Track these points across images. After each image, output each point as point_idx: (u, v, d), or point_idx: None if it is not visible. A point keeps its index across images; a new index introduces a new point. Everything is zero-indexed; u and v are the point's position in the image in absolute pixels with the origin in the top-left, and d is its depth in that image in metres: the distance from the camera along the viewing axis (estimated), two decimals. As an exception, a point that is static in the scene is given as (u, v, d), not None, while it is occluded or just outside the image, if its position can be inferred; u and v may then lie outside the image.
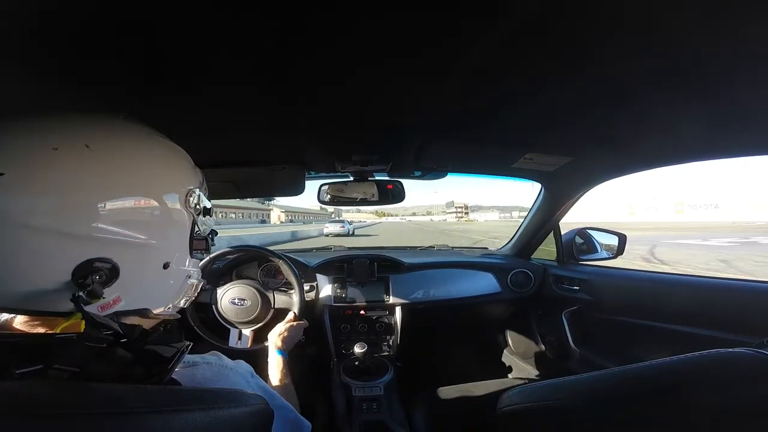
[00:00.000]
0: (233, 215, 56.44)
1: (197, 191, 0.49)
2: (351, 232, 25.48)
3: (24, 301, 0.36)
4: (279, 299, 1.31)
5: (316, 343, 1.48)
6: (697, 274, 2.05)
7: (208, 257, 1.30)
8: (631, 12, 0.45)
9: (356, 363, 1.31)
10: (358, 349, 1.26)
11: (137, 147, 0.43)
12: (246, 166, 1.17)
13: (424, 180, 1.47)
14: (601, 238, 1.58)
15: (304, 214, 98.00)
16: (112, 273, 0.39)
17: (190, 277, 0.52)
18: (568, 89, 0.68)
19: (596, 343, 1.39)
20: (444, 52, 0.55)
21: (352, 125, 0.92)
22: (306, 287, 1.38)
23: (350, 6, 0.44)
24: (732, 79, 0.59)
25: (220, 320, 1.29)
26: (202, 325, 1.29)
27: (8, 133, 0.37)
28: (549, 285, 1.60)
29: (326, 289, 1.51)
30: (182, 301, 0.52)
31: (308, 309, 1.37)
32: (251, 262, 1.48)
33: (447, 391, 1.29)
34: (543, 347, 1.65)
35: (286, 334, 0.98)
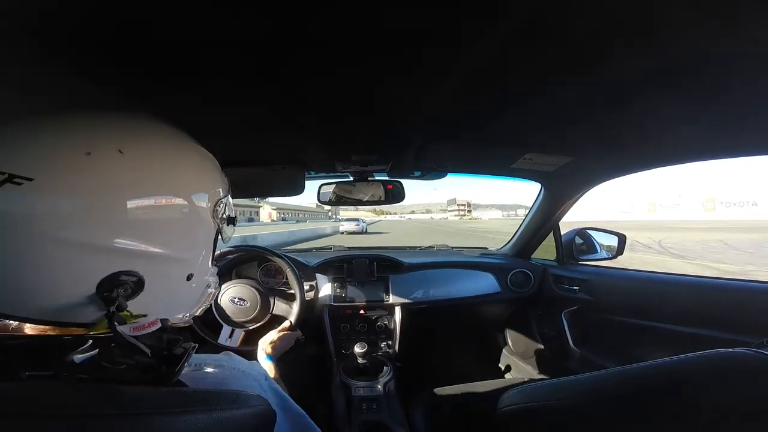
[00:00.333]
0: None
1: (225, 200, 0.48)
2: (365, 230, 27.26)
3: (44, 312, 0.35)
4: (278, 306, 1.32)
5: (316, 343, 1.48)
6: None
7: None
8: (631, 12, 0.45)
9: (356, 363, 1.31)
10: (357, 349, 1.27)
11: (169, 154, 0.41)
12: (246, 166, 1.17)
13: (424, 180, 1.47)
14: (600, 238, 1.58)
15: (297, 211, 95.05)
16: (137, 286, 0.37)
17: (209, 286, 0.51)
18: (568, 89, 0.68)
19: (596, 343, 1.39)
20: (444, 53, 0.55)
21: (352, 125, 0.92)
22: (306, 287, 1.38)
23: (350, 6, 0.44)
24: (732, 79, 0.59)
25: (216, 316, 1.29)
26: (196, 317, 1.29)
27: (37, 135, 0.34)
28: (549, 285, 1.60)
29: (326, 288, 1.51)
30: (199, 310, 0.51)
31: (308, 309, 1.37)
32: (251, 262, 1.48)
33: (447, 391, 1.29)
34: (543, 347, 1.65)
35: (277, 342, 0.98)
